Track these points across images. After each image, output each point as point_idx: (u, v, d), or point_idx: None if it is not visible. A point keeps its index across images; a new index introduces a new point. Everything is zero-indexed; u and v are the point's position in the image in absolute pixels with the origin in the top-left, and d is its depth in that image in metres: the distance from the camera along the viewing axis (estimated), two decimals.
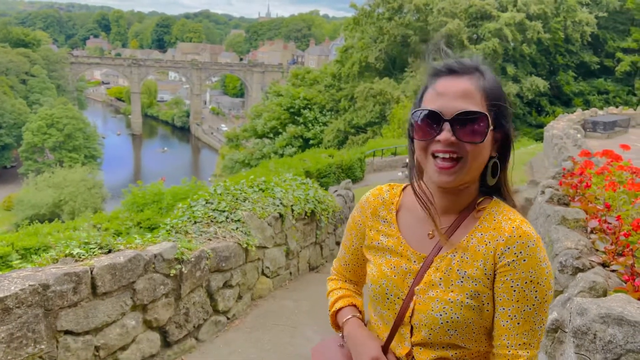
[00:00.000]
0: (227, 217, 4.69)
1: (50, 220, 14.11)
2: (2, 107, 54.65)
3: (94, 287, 3.02)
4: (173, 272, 3.64)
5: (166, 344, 3.75)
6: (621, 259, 3.05)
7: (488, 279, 1.19)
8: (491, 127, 1.20)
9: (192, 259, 3.86)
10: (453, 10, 39.37)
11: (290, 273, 5.84)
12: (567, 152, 9.99)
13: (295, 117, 38.95)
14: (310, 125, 38.82)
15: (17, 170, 52.57)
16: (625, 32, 42.38)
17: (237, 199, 5.04)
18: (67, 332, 2.89)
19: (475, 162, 1.20)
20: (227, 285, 4.42)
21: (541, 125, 32.28)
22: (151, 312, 3.52)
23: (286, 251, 5.58)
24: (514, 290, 1.16)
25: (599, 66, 41.87)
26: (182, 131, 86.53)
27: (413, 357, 1.27)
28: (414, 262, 1.28)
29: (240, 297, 4.68)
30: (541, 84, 39.20)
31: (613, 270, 3.06)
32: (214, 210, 4.74)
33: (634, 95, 39.25)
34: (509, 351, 1.17)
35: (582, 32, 40.28)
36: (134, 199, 11.51)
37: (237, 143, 43.65)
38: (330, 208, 6.78)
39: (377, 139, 31.20)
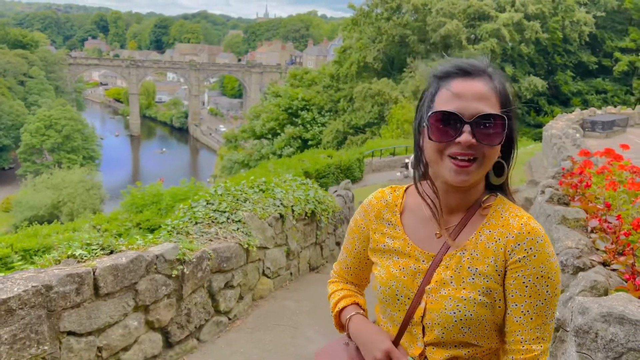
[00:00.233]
0: (228, 218, 4.69)
1: (49, 222, 14.09)
2: (0, 108, 54.58)
3: (96, 288, 3.03)
4: (175, 272, 3.65)
5: (168, 344, 3.75)
6: (622, 258, 3.06)
7: (499, 275, 1.20)
8: (505, 129, 1.21)
9: (194, 260, 3.86)
10: (451, 10, 39.41)
11: (291, 273, 5.84)
12: (566, 152, 10.01)
13: (294, 118, 38.97)
14: (308, 126, 38.84)
15: (16, 172, 52.46)
16: (623, 32, 42.48)
17: (237, 199, 5.05)
18: (70, 333, 2.89)
19: (489, 162, 1.21)
20: (228, 285, 4.42)
21: (540, 125, 32.35)
22: (153, 312, 3.52)
23: (287, 251, 5.59)
24: (526, 286, 1.17)
25: (597, 66, 41.97)
26: (181, 132, 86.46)
27: (426, 357, 1.26)
28: (423, 261, 1.28)
29: (241, 298, 4.69)
30: (539, 83, 39.27)
31: (614, 270, 3.08)
32: (214, 210, 4.75)
33: (632, 94, 39.35)
34: (523, 346, 1.19)
35: (580, 31, 40.36)
36: (133, 200, 11.49)
37: (236, 144, 43.64)
38: (330, 208, 6.79)
39: (376, 139, 31.22)
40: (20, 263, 3.41)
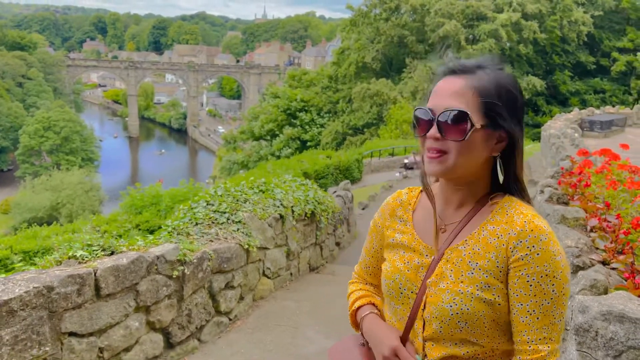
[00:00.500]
0: (228, 219, 4.70)
1: (49, 223, 14.07)
2: None
3: (97, 288, 3.03)
4: (175, 273, 3.65)
5: (169, 345, 3.76)
6: (621, 257, 3.08)
7: (500, 272, 1.20)
8: (477, 125, 1.22)
9: (194, 261, 3.87)
10: (450, 11, 39.47)
11: (291, 274, 5.85)
12: (564, 152, 10.03)
13: (292, 119, 38.98)
14: (307, 127, 38.84)
15: (14, 174, 52.42)
16: (620, 32, 42.57)
17: (237, 200, 5.06)
18: (71, 334, 2.90)
19: (461, 157, 1.23)
20: (228, 286, 4.43)
21: (538, 125, 32.39)
22: (154, 313, 3.53)
23: (287, 252, 5.60)
24: (531, 285, 1.16)
25: (595, 66, 42.05)
26: (179, 133, 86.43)
27: (426, 354, 1.27)
28: (426, 255, 1.31)
29: (241, 298, 4.69)
30: (538, 83, 39.30)
31: (613, 268, 3.09)
32: (215, 211, 4.75)
33: (630, 94, 39.42)
34: (530, 346, 1.18)
35: (578, 31, 40.44)
36: (132, 201, 11.47)
37: (235, 145, 43.64)
38: (330, 209, 6.80)
39: (375, 140, 31.23)
40: (20, 264, 3.41)
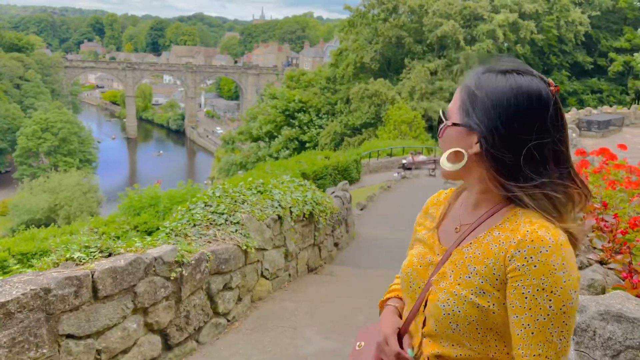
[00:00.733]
0: (226, 220, 4.69)
1: (46, 225, 14.05)
2: None
3: (95, 290, 3.02)
4: (173, 275, 3.65)
5: (167, 346, 3.75)
6: (619, 257, 3.08)
7: (497, 279, 1.17)
8: (448, 122, 1.29)
9: (192, 262, 3.86)
10: (448, 11, 39.53)
11: (289, 275, 5.85)
12: None
13: (291, 119, 38.99)
14: (305, 128, 38.85)
15: (12, 175, 52.32)
16: (618, 32, 42.69)
17: (235, 201, 5.05)
18: (68, 336, 2.89)
19: (444, 154, 1.30)
20: (227, 287, 4.42)
21: None
22: (152, 315, 3.52)
23: (285, 253, 5.59)
24: (526, 298, 1.12)
25: (592, 66, 42.16)
26: (177, 134, 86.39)
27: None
28: (437, 254, 1.34)
29: (240, 299, 4.69)
30: None
31: (611, 268, 3.09)
32: (212, 212, 4.75)
33: (627, 94, 39.54)
34: None
35: (575, 31, 40.55)
36: (130, 202, 11.45)
37: (233, 146, 43.65)
38: (328, 210, 6.80)
39: (373, 140, 31.24)
40: (17, 267, 3.40)
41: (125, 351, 3.32)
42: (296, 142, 37.66)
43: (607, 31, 43.14)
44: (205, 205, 4.87)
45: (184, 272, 3.75)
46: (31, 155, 51.90)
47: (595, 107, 28.29)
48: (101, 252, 3.35)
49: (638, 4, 42.98)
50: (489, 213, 1.26)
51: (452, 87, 38.96)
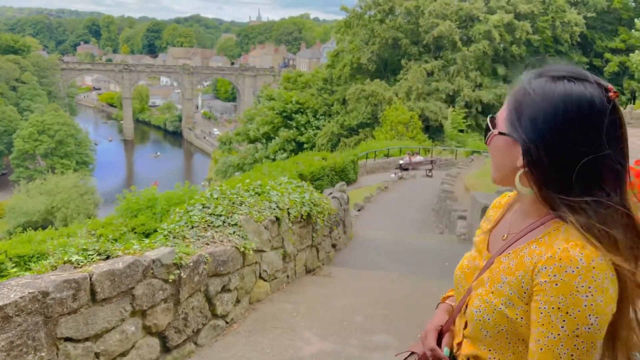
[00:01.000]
0: (224, 222, 4.69)
1: (43, 228, 14.03)
2: None
3: (93, 293, 3.02)
4: (172, 277, 3.64)
5: (165, 349, 3.74)
6: None
7: (524, 292, 1.15)
8: (495, 131, 1.25)
9: (191, 264, 3.86)
10: (444, 12, 39.64)
11: (287, 276, 5.84)
12: None
13: (288, 121, 39.00)
14: (303, 129, 38.87)
15: (8, 178, 52.21)
16: (613, 32, 42.86)
17: (233, 203, 5.04)
18: (67, 339, 2.88)
19: (492, 162, 1.29)
20: (225, 289, 4.42)
21: None
22: (150, 317, 3.51)
23: (283, 254, 5.59)
24: (541, 313, 1.11)
25: (588, 66, 42.25)
26: (175, 136, 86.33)
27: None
28: (483, 260, 1.35)
29: (238, 301, 4.68)
30: None
31: None
32: (210, 214, 4.74)
33: (623, 94, 39.66)
34: None
35: (571, 32, 40.70)
36: (127, 204, 11.46)
37: (230, 147, 43.65)
38: (326, 211, 6.80)
39: (370, 141, 31.28)
40: (15, 270, 3.39)
41: (123, 354, 3.31)
42: (293, 144, 37.69)
43: (602, 32, 43.33)
44: (203, 207, 4.86)
45: (182, 274, 3.75)
46: (28, 157, 51.80)
47: None
48: (99, 254, 3.35)
49: (633, 4, 43.19)
50: (534, 225, 1.22)
51: (448, 88, 39.11)
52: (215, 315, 4.30)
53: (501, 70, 40.51)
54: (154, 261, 3.49)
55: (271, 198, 5.49)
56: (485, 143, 1.30)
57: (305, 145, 36.74)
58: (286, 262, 5.73)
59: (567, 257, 1.08)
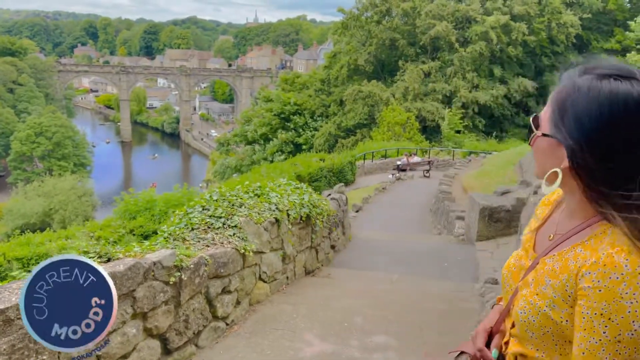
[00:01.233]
0: (223, 223, 4.70)
1: (41, 230, 14.00)
2: None
3: None
4: (172, 279, 3.65)
5: (166, 351, 3.75)
6: None
7: (569, 296, 1.14)
8: (538, 133, 1.23)
9: (191, 266, 3.86)
10: (440, 13, 39.75)
11: (287, 277, 5.85)
12: None
13: (286, 122, 39.01)
14: (301, 130, 38.89)
15: (6, 180, 52.09)
16: (608, 33, 43.06)
17: (233, 204, 5.05)
18: None
19: (536, 163, 1.27)
20: (225, 291, 4.42)
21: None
22: (151, 319, 3.52)
23: (282, 256, 5.60)
24: (583, 318, 1.09)
25: None
26: (172, 137, 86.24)
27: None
28: (529, 260, 1.33)
29: (238, 303, 4.69)
30: (529, 85, 39.68)
31: None
32: (210, 216, 4.75)
33: None
34: None
35: (567, 33, 40.87)
36: (126, 206, 11.45)
37: (228, 148, 43.62)
38: (325, 212, 6.81)
39: (367, 141, 31.31)
40: (16, 273, 3.39)
41: (124, 356, 3.31)
42: (291, 145, 37.70)
43: (598, 33, 43.52)
44: (203, 209, 4.87)
45: (182, 276, 3.75)
46: (25, 159, 51.69)
47: None
48: (100, 257, 3.35)
49: (628, 5, 43.39)
50: (580, 227, 1.20)
51: (445, 88, 39.20)
52: (215, 317, 4.31)
53: (498, 71, 40.64)
54: (154, 263, 3.49)
55: (270, 200, 5.50)
56: (529, 144, 1.27)
57: (303, 147, 36.74)
58: (286, 264, 5.74)
59: (611, 263, 1.06)
